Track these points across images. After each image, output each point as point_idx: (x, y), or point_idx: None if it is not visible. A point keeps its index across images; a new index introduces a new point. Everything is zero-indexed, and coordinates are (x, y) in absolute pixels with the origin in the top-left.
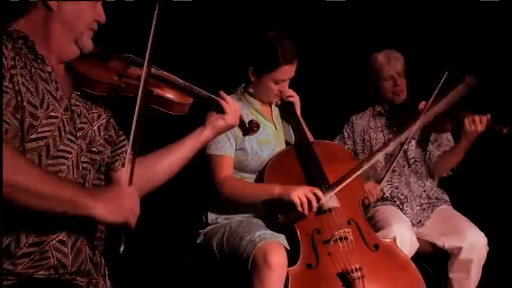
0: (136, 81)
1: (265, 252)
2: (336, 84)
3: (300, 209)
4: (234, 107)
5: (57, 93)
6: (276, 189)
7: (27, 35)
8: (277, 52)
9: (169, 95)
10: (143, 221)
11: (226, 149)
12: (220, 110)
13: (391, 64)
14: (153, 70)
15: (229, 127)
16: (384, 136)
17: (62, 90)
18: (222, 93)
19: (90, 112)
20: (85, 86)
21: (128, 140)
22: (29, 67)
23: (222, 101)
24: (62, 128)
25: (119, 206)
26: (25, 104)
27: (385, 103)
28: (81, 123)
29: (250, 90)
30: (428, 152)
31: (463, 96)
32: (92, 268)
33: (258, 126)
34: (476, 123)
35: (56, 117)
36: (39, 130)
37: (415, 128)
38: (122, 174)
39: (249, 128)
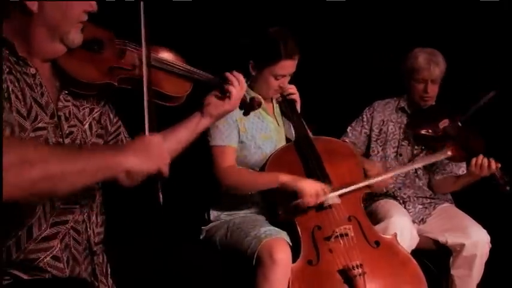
0: (132, 74)
1: (271, 249)
2: (339, 81)
3: (307, 199)
4: (242, 84)
5: (43, 99)
6: (281, 177)
7: (5, 38)
8: (278, 46)
9: (165, 89)
10: (143, 219)
11: (230, 139)
12: (224, 94)
13: (430, 69)
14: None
15: (231, 110)
16: (400, 134)
17: (47, 93)
18: (229, 75)
19: (80, 109)
20: (74, 87)
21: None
22: (14, 72)
23: (230, 85)
24: (50, 140)
25: (148, 154)
26: (14, 114)
27: (410, 101)
28: (69, 126)
29: (252, 85)
30: (435, 167)
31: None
32: (87, 276)
33: (259, 104)
34: (483, 167)
35: (43, 128)
36: None
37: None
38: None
39: (250, 105)
